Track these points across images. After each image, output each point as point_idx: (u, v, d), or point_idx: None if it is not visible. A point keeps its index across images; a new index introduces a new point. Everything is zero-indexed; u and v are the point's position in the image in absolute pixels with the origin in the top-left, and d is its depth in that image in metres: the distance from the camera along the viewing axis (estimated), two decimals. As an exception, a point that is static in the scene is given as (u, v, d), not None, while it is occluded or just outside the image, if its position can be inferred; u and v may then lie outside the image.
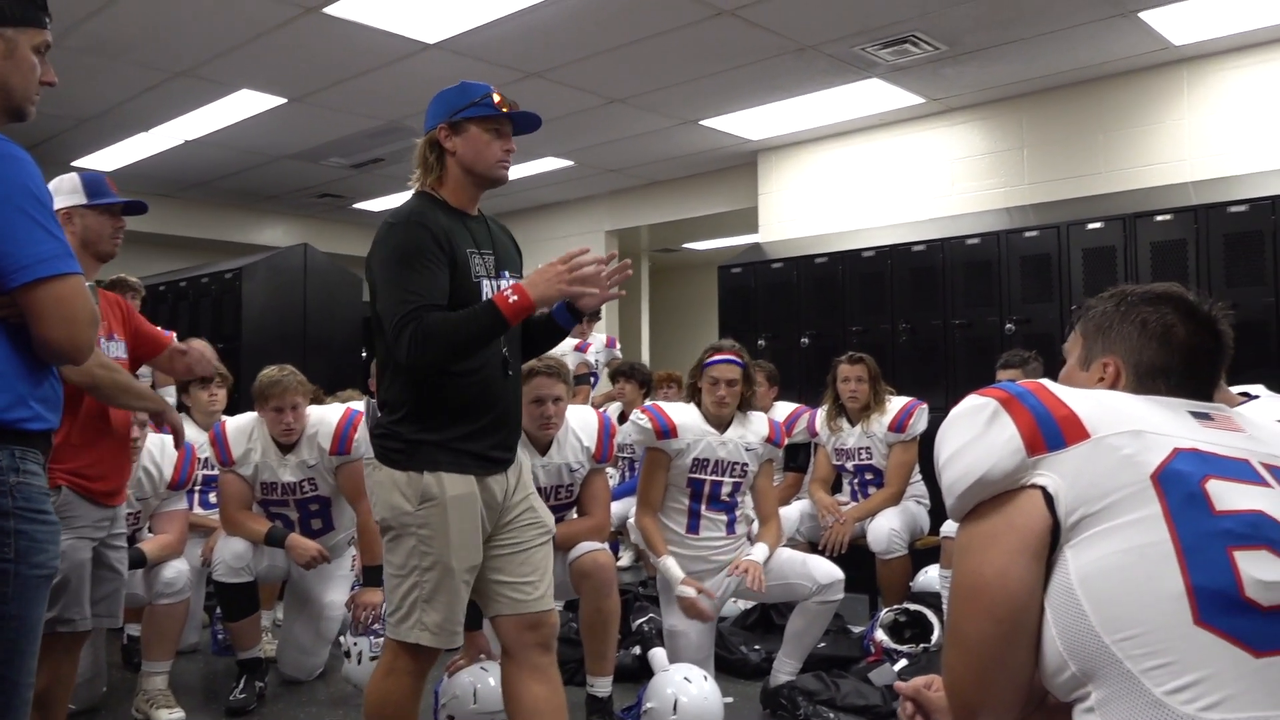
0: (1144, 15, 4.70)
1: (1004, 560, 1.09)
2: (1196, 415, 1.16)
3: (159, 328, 4.89)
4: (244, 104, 6.00)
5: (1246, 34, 4.96)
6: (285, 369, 3.60)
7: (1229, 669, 0.97)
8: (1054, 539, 1.08)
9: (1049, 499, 1.08)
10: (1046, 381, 1.18)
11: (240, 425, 3.67)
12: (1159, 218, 4.90)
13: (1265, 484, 1.08)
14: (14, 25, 1.78)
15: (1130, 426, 1.10)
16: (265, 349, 6.68)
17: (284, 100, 5.92)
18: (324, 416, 3.66)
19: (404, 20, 4.70)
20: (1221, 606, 0.99)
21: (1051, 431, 1.10)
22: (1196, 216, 4.78)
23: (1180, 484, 1.05)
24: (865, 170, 6.60)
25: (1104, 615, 1.02)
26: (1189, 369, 1.24)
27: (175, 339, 5.37)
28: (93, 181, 2.73)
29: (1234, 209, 4.68)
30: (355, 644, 3.55)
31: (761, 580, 3.30)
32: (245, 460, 3.60)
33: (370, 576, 3.65)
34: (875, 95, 5.89)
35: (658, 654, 3.26)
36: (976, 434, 1.13)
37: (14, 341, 1.70)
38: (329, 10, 4.56)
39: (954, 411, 1.19)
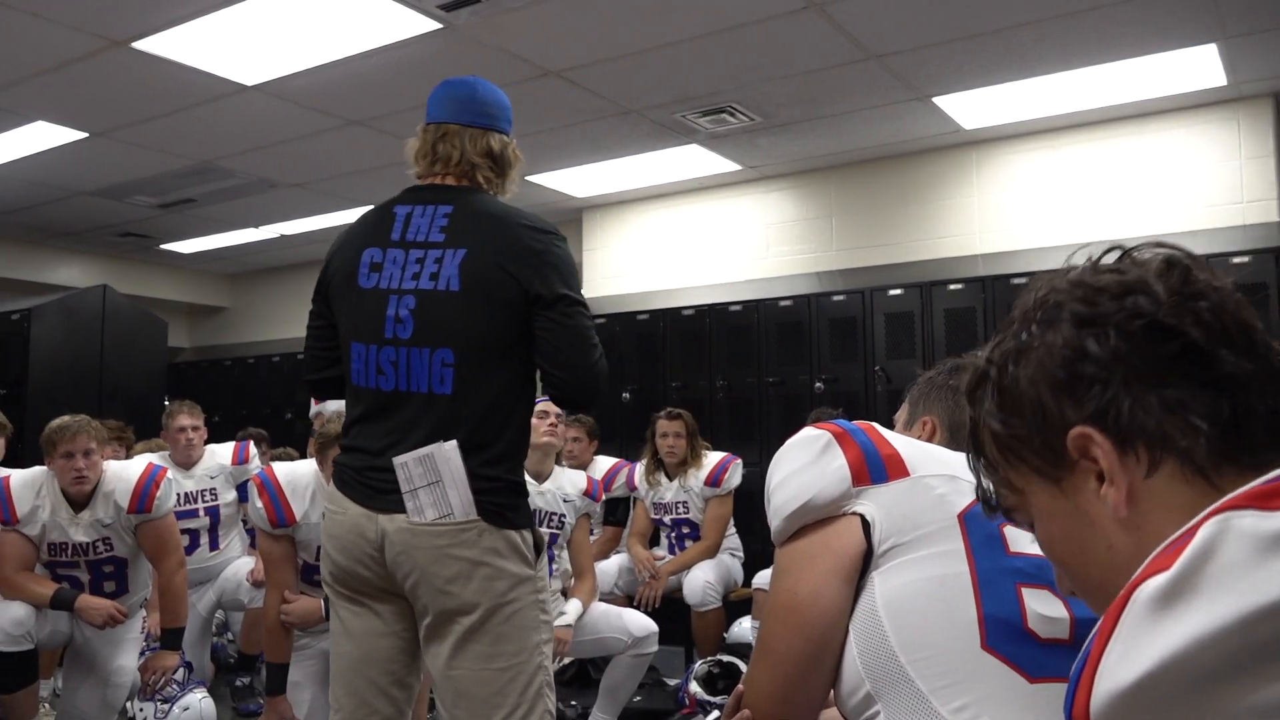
0: (937, 100, 5.10)
1: (818, 580, 1.16)
2: None
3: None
4: (40, 136, 5.64)
5: (1030, 121, 5.44)
6: (77, 416, 3.38)
7: (1007, 691, 1.05)
8: (864, 565, 1.16)
9: (866, 526, 1.16)
10: (875, 424, 1.28)
11: (27, 480, 3.39)
12: (951, 286, 5.28)
13: None
14: None
15: (946, 471, 1.19)
16: (55, 397, 6.21)
17: (85, 134, 5.60)
18: (122, 473, 3.44)
19: (220, 60, 4.56)
20: (1006, 634, 1.08)
21: (877, 466, 1.19)
22: (985, 286, 5.18)
23: (982, 525, 1.14)
24: (686, 231, 6.81)
25: (903, 636, 1.10)
26: None
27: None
28: None
29: (1016, 280, 5.09)
30: (141, 710, 3.34)
31: (567, 646, 3.32)
32: (32, 519, 3.32)
33: (170, 639, 3.46)
34: (695, 160, 6.11)
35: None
36: (809, 461, 1.21)
37: None
38: (138, 45, 4.37)
39: (789, 441, 1.27)
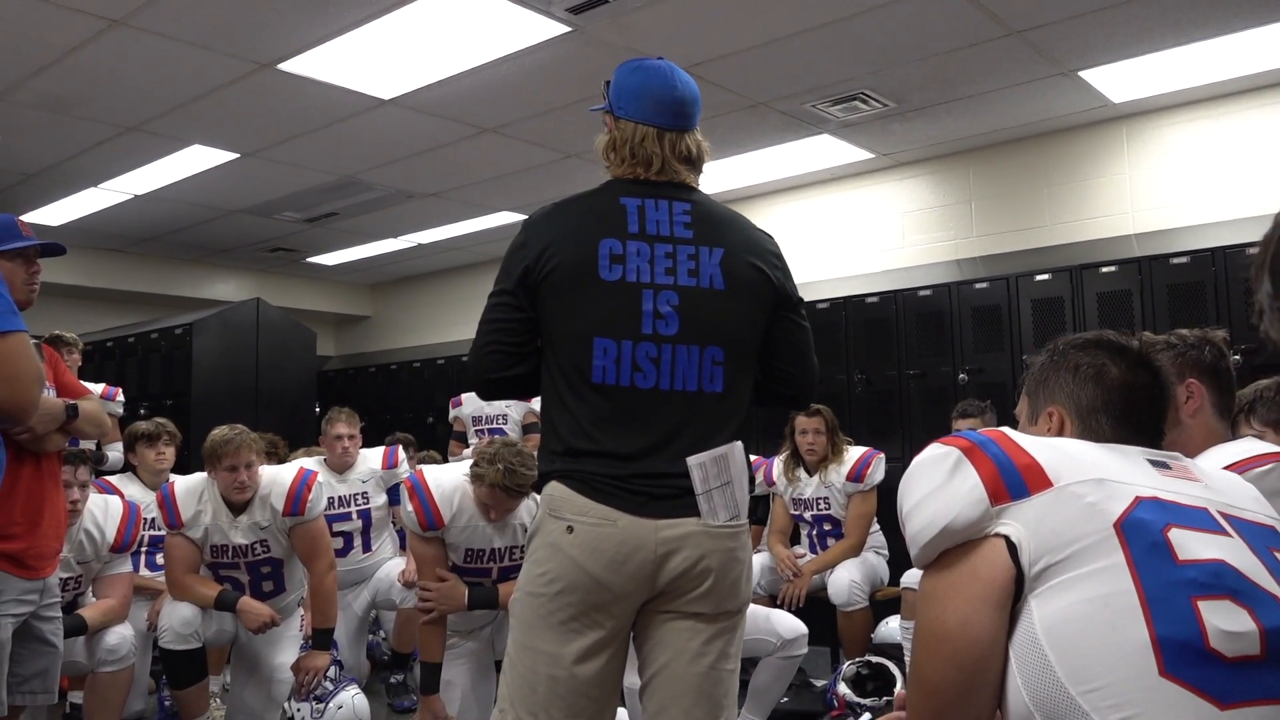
0: (1083, 74, 4.85)
1: (967, 609, 1.09)
2: (1154, 464, 1.18)
3: (100, 384, 4.79)
4: (196, 159, 5.95)
5: (1182, 92, 5.13)
6: (236, 428, 3.52)
7: None
8: (1018, 588, 1.08)
9: (1012, 548, 1.08)
10: (1008, 430, 1.19)
11: (190, 486, 3.56)
12: (1104, 269, 5.02)
13: (1224, 533, 1.09)
14: None
15: (1092, 475, 1.10)
16: (216, 406, 6.56)
17: (236, 155, 5.89)
18: (277, 477, 3.58)
19: (359, 77, 4.71)
20: (1187, 658, 0.99)
21: (1014, 480, 1.11)
22: (1140, 268, 4.90)
23: (1143, 533, 1.06)
24: (818, 223, 6.69)
25: (1069, 666, 1.02)
26: (1128, 406, 1.27)
27: (120, 395, 5.31)
28: (0, 226, 2.52)
29: (1176, 260, 4.80)
30: (298, 709, 3.45)
31: None
32: (195, 523, 3.49)
33: (320, 639, 3.57)
34: (826, 150, 5.99)
35: (620, 715, 3.21)
36: (939, 483, 1.14)
37: (-46, 403, 1.65)
38: (283, 67, 4.55)
39: (916, 461, 1.19)
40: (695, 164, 1.97)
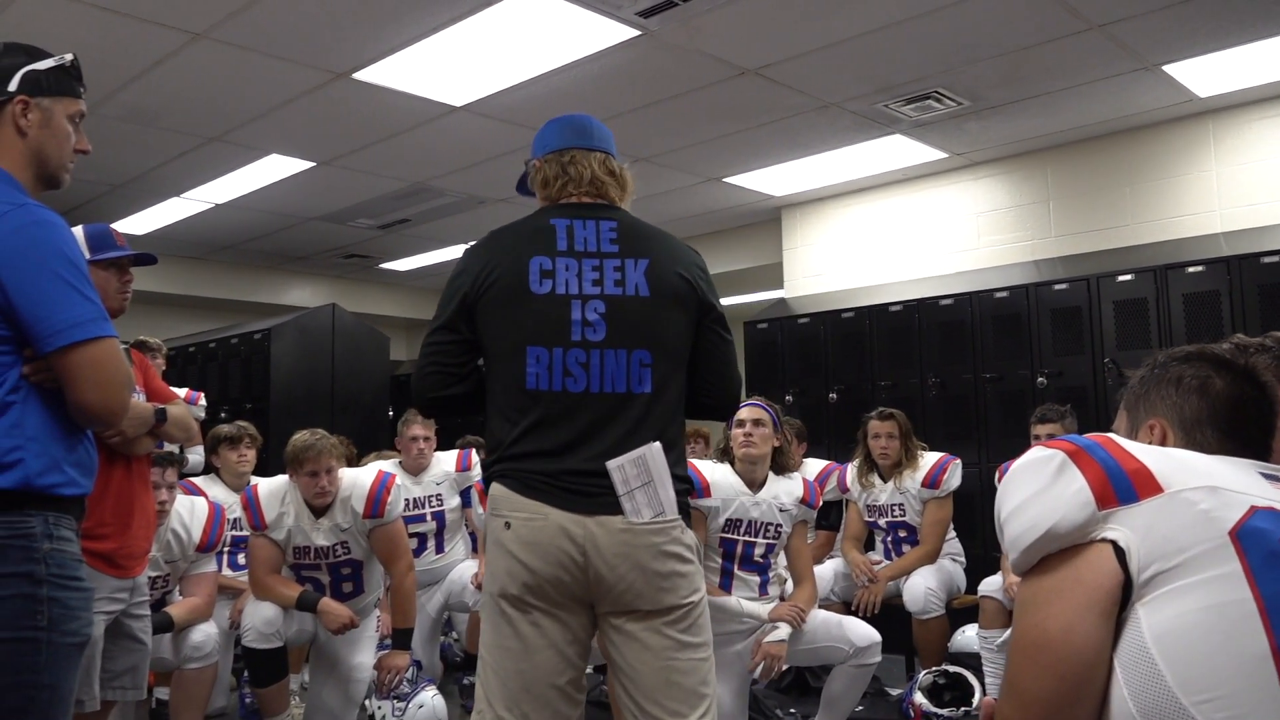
0: (1167, 68, 4.71)
1: (1070, 616, 1.06)
2: (1267, 476, 1.14)
3: (183, 388, 4.92)
4: (273, 168, 6.09)
5: (1271, 85, 4.95)
6: (317, 433, 3.58)
7: None
8: (1124, 596, 1.05)
9: (1119, 554, 1.05)
10: (1113, 434, 1.15)
11: (272, 489, 3.64)
12: (1190, 269, 4.86)
13: None
14: (51, 95, 1.82)
15: (1206, 482, 1.07)
16: (294, 409, 6.70)
17: (312, 164, 6.00)
18: (357, 479, 3.64)
19: (431, 84, 4.78)
20: None
21: (1123, 484, 1.07)
22: (1229, 267, 4.72)
23: (1260, 542, 1.02)
24: (890, 225, 6.60)
25: (1182, 676, 0.99)
26: (1234, 418, 1.23)
27: (202, 399, 5.45)
28: (96, 235, 2.57)
29: (1267, 259, 4.63)
30: (379, 708, 3.50)
31: (779, 662, 3.26)
32: (278, 525, 3.56)
33: (400, 639, 3.61)
34: (898, 150, 5.90)
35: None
36: (1043, 486, 1.11)
37: (49, 406, 1.70)
38: (358, 76, 4.63)
39: (1017, 463, 1.16)
40: (622, 182, 2.15)
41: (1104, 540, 1.06)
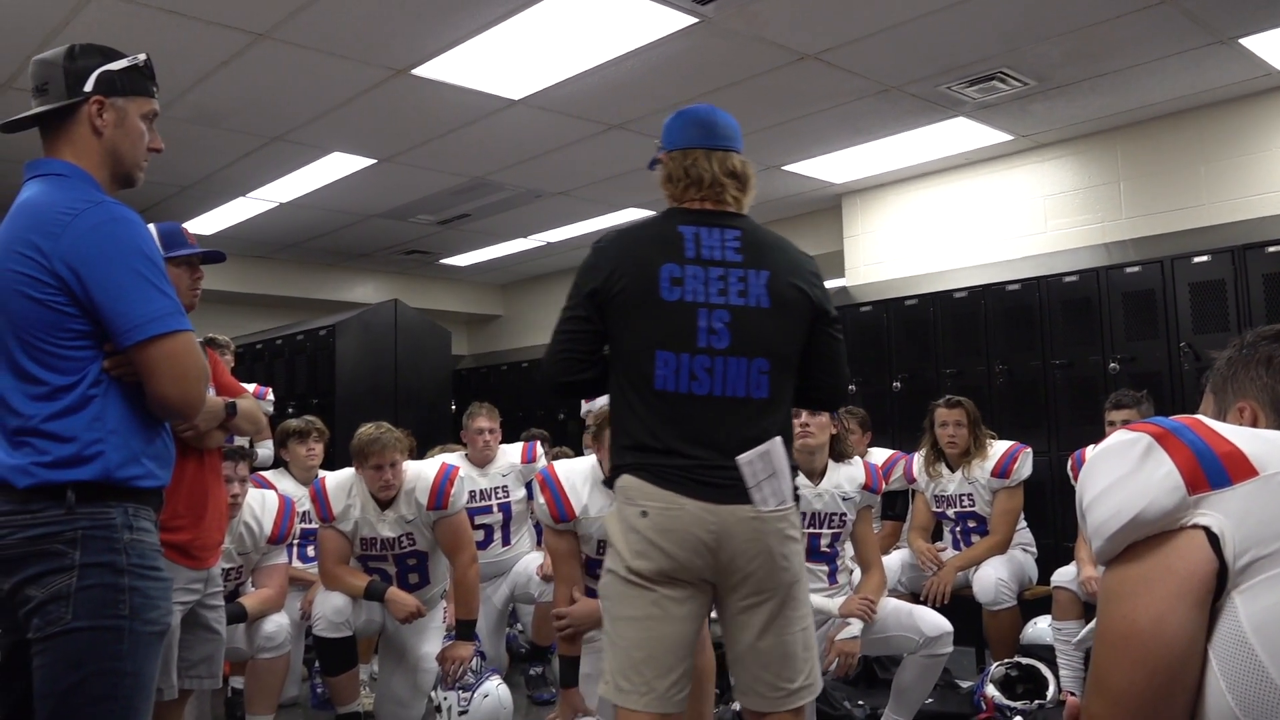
0: (1244, 41, 4.54)
1: (1161, 606, 1.00)
2: None
3: (251, 384, 5.00)
4: (336, 166, 6.17)
5: (1355, 55, 4.76)
6: (382, 426, 3.63)
7: None
8: (1219, 584, 1.00)
9: (1213, 540, 1.00)
10: (1201, 416, 1.10)
11: (340, 481, 3.70)
12: (1270, 249, 4.69)
13: None
14: (125, 95, 1.84)
15: None
16: (358, 404, 6.79)
17: (374, 161, 6.07)
18: (421, 472, 3.68)
19: (489, 78, 4.79)
20: None
21: (1214, 468, 1.02)
22: (1312, 246, 4.56)
23: None
24: (953, 210, 6.48)
25: None
26: None
27: (270, 394, 5.54)
28: (168, 233, 2.61)
29: (1352, 237, 4.46)
30: (445, 698, 3.53)
31: (853, 659, 3.23)
32: (345, 516, 3.63)
33: (463, 630, 3.64)
34: (962, 134, 5.79)
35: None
36: (1128, 470, 1.05)
37: (128, 399, 1.73)
38: (417, 72, 4.67)
39: (1100, 448, 1.11)
40: (743, 182, 2.27)
41: (1195, 526, 1.02)
